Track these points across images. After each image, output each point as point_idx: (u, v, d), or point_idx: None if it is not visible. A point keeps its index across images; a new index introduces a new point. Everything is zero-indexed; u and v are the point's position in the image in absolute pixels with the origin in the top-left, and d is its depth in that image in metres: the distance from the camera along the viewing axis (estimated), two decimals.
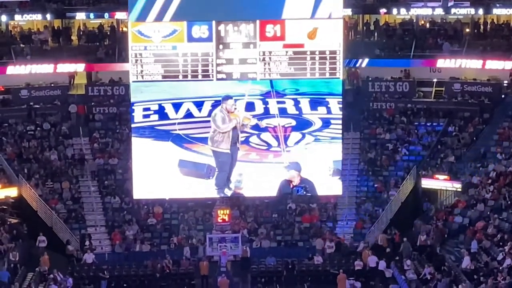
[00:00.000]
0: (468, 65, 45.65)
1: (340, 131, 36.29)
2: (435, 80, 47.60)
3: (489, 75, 46.54)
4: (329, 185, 36.46)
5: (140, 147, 35.84)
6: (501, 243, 34.91)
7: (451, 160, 42.62)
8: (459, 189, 40.71)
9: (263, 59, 34.68)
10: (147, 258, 38.62)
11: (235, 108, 34.85)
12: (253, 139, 35.74)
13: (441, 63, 46.22)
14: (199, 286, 37.30)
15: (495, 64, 45.19)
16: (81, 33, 49.26)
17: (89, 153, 44.44)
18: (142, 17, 34.46)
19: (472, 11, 47.92)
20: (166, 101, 35.50)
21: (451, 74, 47.05)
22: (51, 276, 35.56)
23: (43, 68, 45.74)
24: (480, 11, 47.96)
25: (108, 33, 49.29)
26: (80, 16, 48.51)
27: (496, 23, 49.04)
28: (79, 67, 46.57)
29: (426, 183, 41.72)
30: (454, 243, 37.74)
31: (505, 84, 46.48)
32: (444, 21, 49.45)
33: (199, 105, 35.41)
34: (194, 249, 39.07)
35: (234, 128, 35.02)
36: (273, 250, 39.63)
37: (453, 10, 48.13)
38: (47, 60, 45.97)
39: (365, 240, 39.64)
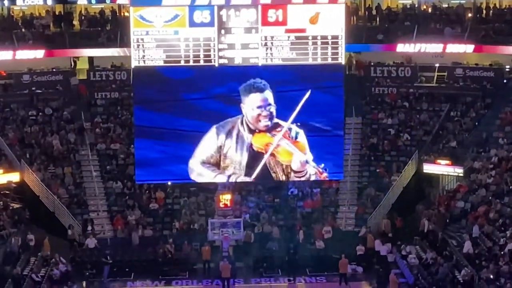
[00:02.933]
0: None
1: None
2: (437, 65, 47.52)
3: (492, 59, 46.53)
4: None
5: None
6: (502, 228, 34.98)
7: (453, 145, 42.62)
8: (461, 174, 40.69)
9: (265, 44, 34.59)
10: (149, 243, 38.69)
11: None
12: None
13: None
14: (201, 271, 37.39)
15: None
16: (83, 18, 49.13)
17: (91, 138, 44.41)
18: (143, 1, 34.39)
19: None
20: None
21: (453, 59, 46.98)
22: (53, 260, 35.74)
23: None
24: None
25: (110, 18, 49.18)
26: (82, 1, 48.34)
27: (498, 7, 48.88)
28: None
29: (428, 168, 41.73)
30: (456, 228, 37.78)
31: (507, 69, 46.42)
32: (447, 5, 49.31)
33: None
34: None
35: None
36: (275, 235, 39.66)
37: None
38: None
39: (367, 225, 39.66)
